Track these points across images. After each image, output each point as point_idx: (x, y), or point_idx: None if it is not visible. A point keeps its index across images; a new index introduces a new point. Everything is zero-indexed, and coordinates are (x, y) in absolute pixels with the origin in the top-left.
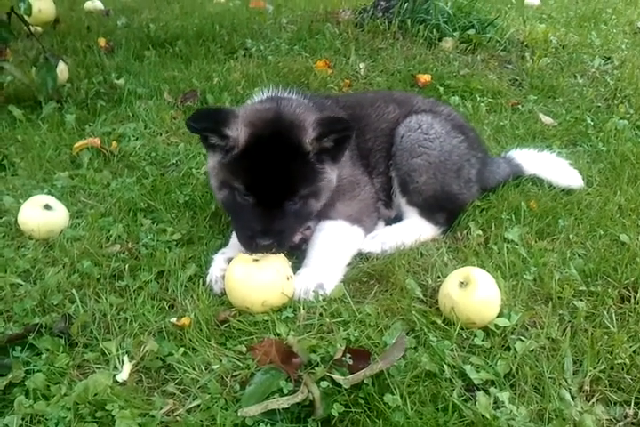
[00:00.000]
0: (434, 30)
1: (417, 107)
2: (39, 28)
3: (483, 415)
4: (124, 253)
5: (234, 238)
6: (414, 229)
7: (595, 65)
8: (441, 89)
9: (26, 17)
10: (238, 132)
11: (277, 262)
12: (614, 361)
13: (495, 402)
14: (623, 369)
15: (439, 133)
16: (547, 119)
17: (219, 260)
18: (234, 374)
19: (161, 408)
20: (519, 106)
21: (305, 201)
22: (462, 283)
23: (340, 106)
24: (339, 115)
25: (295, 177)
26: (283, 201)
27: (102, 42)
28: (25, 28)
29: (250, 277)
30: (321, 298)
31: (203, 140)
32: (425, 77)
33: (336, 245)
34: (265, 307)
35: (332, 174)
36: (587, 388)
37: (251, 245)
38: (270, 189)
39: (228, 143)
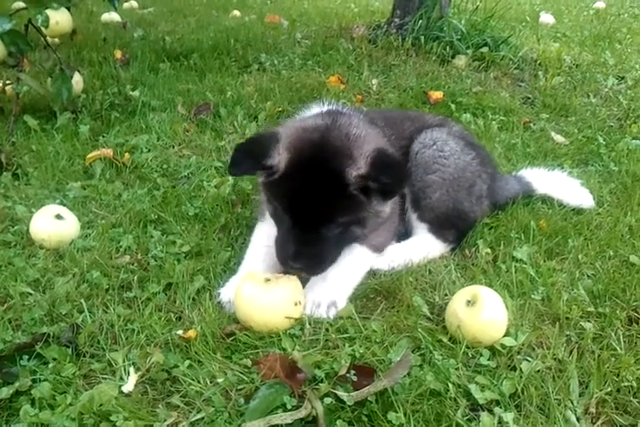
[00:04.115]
0: (447, 47)
1: (429, 122)
2: (57, 40)
3: None
4: (133, 264)
5: (246, 262)
6: (423, 246)
7: (608, 84)
8: (453, 106)
9: (43, 29)
10: (279, 158)
11: (288, 286)
12: (621, 384)
13: (499, 422)
14: (630, 392)
15: (454, 150)
16: (558, 138)
17: (236, 282)
18: (238, 387)
19: (165, 420)
20: (531, 124)
21: (346, 227)
22: (469, 301)
23: (378, 125)
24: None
25: (332, 206)
26: (318, 227)
27: (118, 54)
28: (42, 39)
29: (256, 297)
30: (333, 316)
31: None
32: (437, 94)
33: (352, 266)
34: (267, 328)
35: (380, 206)
36: (592, 410)
37: (285, 265)
38: (306, 214)
39: (271, 170)
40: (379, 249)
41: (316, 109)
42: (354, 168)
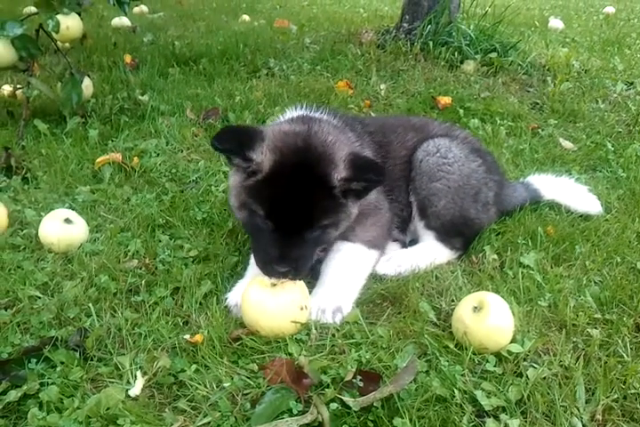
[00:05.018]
0: (456, 53)
1: (434, 132)
2: (67, 44)
3: None
4: (141, 268)
5: (253, 266)
6: (430, 252)
7: (617, 90)
8: (461, 111)
9: (53, 33)
10: (263, 157)
11: (294, 291)
12: (627, 391)
13: None
14: (636, 399)
15: (458, 157)
16: (567, 144)
17: (243, 286)
18: (244, 392)
19: (171, 425)
20: (539, 130)
21: (324, 230)
22: (476, 308)
23: (367, 131)
24: (369, 154)
25: (317, 209)
26: (302, 230)
27: (128, 58)
28: (53, 43)
29: (262, 302)
30: (339, 322)
31: (226, 158)
32: (445, 100)
33: (353, 268)
34: (274, 333)
35: (353, 208)
36: (599, 417)
37: (268, 270)
38: (290, 218)
39: (252, 166)
40: (376, 245)
41: (289, 114)
42: (337, 171)
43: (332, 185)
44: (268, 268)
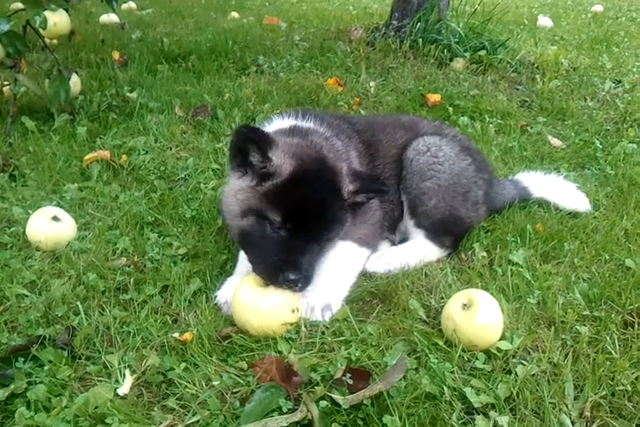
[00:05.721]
0: (445, 50)
1: (423, 131)
2: (55, 41)
3: None
4: (129, 266)
5: (241, 263)
6: (420, 250)
7: (605, 88)
8: (450, 109)
9: (41, 30)
10: (281, 161)
11: (286, 291)
12: (616, 387)
13: (494, 426)
14: (625, 396)
15: (448, 156)
16: (555, 141)
17: (232, 283)
18: (234, 390)
19: (160, 423)
20: (528, 127)
21: (330, 241)
22: (465, 305)
23: (355, 129)
24: (354, 156)
25: (331, 219)
26: (316, 239)
27: (116, 55)
28: (40, 40)
29: (254, 303)
30: (329, 319)
31: (240, 156)
32: (435, 97)
33: (344, 266)
34: (265, 334)
35: (349, 221)
36: (587, 414)
37: (277, 279)
38: (307, 226)
39: (268, 167)
40: (367, 243)
41: (279, 122)
42: (345, 185)
43: (343, 197)
44: (277, 276)
